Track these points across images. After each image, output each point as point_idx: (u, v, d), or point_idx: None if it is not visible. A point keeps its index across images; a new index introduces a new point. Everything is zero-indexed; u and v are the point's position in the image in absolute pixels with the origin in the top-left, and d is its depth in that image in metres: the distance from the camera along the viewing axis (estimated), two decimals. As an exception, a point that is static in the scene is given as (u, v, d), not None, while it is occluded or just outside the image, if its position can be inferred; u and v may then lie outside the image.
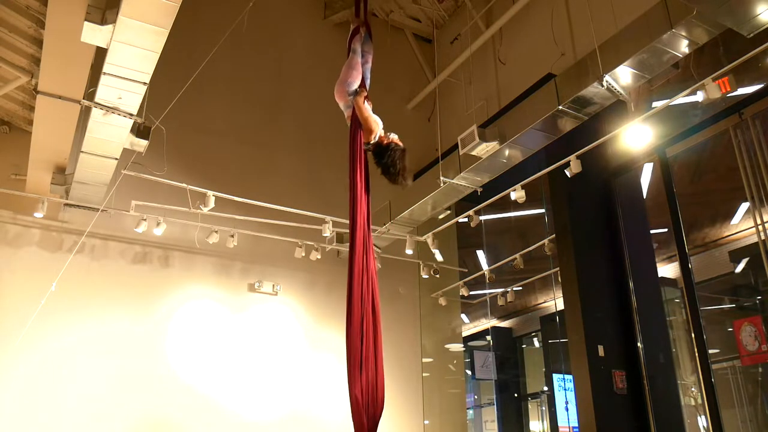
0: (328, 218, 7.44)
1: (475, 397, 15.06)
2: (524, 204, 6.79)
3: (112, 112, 5.30)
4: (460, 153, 6.85)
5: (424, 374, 9.13)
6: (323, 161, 8.77)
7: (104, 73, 4.84)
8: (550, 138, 6.66)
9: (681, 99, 5.62)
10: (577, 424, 8.07)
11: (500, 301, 9.54)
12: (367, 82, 4.61)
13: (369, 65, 4.70)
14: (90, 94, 5.22)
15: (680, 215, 7.16)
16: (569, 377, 9.36)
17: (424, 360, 9.25)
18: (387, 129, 4.52)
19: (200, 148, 8.16)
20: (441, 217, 8.73)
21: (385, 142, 4.33)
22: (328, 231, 7.46)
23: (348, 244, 4.11)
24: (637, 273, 7.86)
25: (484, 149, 6.72)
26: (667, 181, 7.38)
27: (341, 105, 4.49)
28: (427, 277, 8.89)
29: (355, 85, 4.47)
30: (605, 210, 8.20)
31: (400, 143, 4.34)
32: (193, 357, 7.44)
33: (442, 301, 9.43)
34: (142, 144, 5.90)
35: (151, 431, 6.99)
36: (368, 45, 4.77)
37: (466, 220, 7.81)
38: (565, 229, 7.85)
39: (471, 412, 14.58)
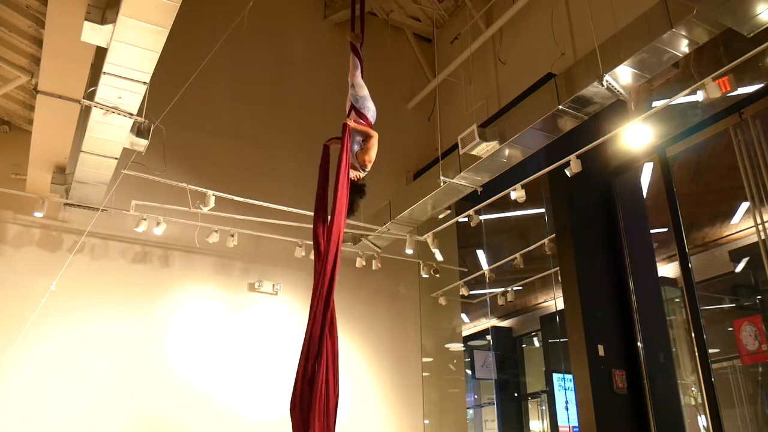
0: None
1: (475, 396, 15.06)
2: (524, 204, 6.80)
3: (112, 112, 5.30)
4: (460, 152, 6.85)
5: (424, 374, 9.13)
6: (323, 161, 8.76)
7: (104, 73, 4.83)
8: (550, 138, 6.66)
9: (681, 99, 5.63)
10: (577, 424, 8.08)
11: (500, 301, 9.54)
12: (355, 101, 4.67)
13: (356, 80, 4.75)
14: (90, 94, 5.21)
15: (680, 215, 7.16)
16: (569, 377, 9.37)
17: (424, 359, 9.25)
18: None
19: (200, 148, 8.15)
20: (441, 216, 8.72)
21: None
22: (328, 231, 7.45)
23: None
24: (637, 273, 7.86)
25: (484, 149, 6.72)
26: (667, 181, 7.38)
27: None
28: (427, 276, 8.89)
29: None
30: (605, 210, 8.20)
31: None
32: (193, 357, 7.44)
33: (442, 301, 9.43)
34: (141, 143, 5.90)
35: (151, 431, 7.00)
36: (354, 61, 4.82)
37: (466, 219, 7.81)
38: (565, 228, 7.85)
39: (471, 411, 14.59)
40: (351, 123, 4.48)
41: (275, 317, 8.16)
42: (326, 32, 9.59)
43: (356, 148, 4.49)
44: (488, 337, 13.64)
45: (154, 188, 7.02)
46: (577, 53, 6.84)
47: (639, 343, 7.56)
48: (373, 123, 4.68)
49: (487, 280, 9.22)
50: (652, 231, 8.51)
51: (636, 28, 5.53)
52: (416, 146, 9.66)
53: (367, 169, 4.51)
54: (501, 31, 8.29)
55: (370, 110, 4.65)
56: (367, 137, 4.50)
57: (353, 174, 4.40)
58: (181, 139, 7.64)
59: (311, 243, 7.83)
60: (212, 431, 7.28)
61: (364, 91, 4.70)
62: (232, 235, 7.52)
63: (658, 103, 5.90)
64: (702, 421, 8.04)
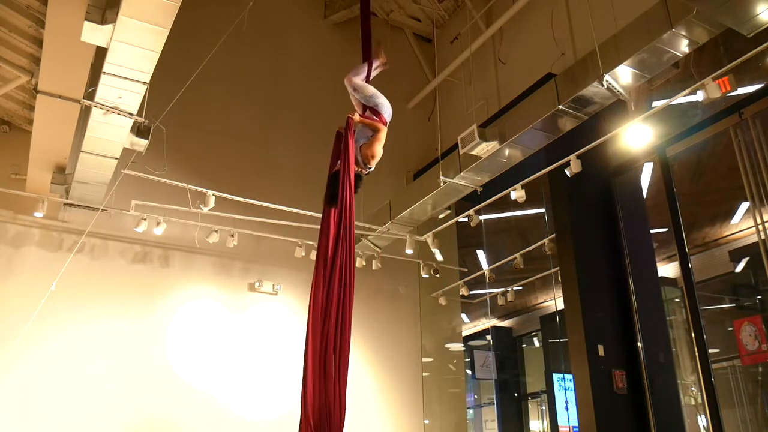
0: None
1: (475, 396, 15.06)
2: (524, 204, 6.80)
3: (112, 112, 5.30)
4: (460, 152, 6.85)
5: (424, 374, 9.13)
6: (323, 160, 8.69)
7: (104, 73, 4.84)
8: (550, 138, 6.67)
9: (681, 98, 5.62)
10: (577, 424, 8.08)
11: (500, 301, 9.54)
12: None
13: (356, 83, 4.68)
14: (90, 94, 5.22)
15: (680, 215, 7.15)
16: (569, 377, 9.36)
17: (424, 360, 9.25)
18: (387, 129, 4.53)
19: (200, 148, 8.16)
20: (441, 216, 8.72)
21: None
22: (328, 230, 7.44)
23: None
24: (637, 273, 7.86)
25: (484, 149, 6.73)
26: (667, 181, 7.38)
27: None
28: (427, 276, 8.89)
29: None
30: (605, 210, 8.20)
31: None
32: (193, 357, 7.44)
33: (442, 301, 9.43)
34: (142, 143, 5.90)
35: (151, 431, 7.00)
36: (359, 70, 4.74)
37: (466, 219, 7.81)
38: (565, 228, 7.86)
39: (471, 411, 14.58)
40: (356, 117, 4.34)
41: (275, 317, 8.16)
42: (326, 32, 9.59)
43: (363, 141, 4.32)
44: (488, 337, 13.64)
45: (154, 188, 7.01)
46: (577, 53, 6.84)
47: (639, 343, 7.55)
48: (388, 120, 4.47)
49: (487, 280, 9.21)
50: (652, 231, 8.51)
51: (636, 28, 5.53)
52: (416, 146, 9.66)
53: (371, 166, 4.30)
54: (501, 31, 8.29)
55: (384, 107, 4.43)
56: (375, 131, 4.33)
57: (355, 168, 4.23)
58: (181, 139, 7.65)
59: (311, 243, 7.91)
60: (212, 431, 7.28)
61: (370, 90, 4.50)
62: (232, 235, 7.52)
63: (658, 103, 5.89)
64: (702, 421, 8.04)
